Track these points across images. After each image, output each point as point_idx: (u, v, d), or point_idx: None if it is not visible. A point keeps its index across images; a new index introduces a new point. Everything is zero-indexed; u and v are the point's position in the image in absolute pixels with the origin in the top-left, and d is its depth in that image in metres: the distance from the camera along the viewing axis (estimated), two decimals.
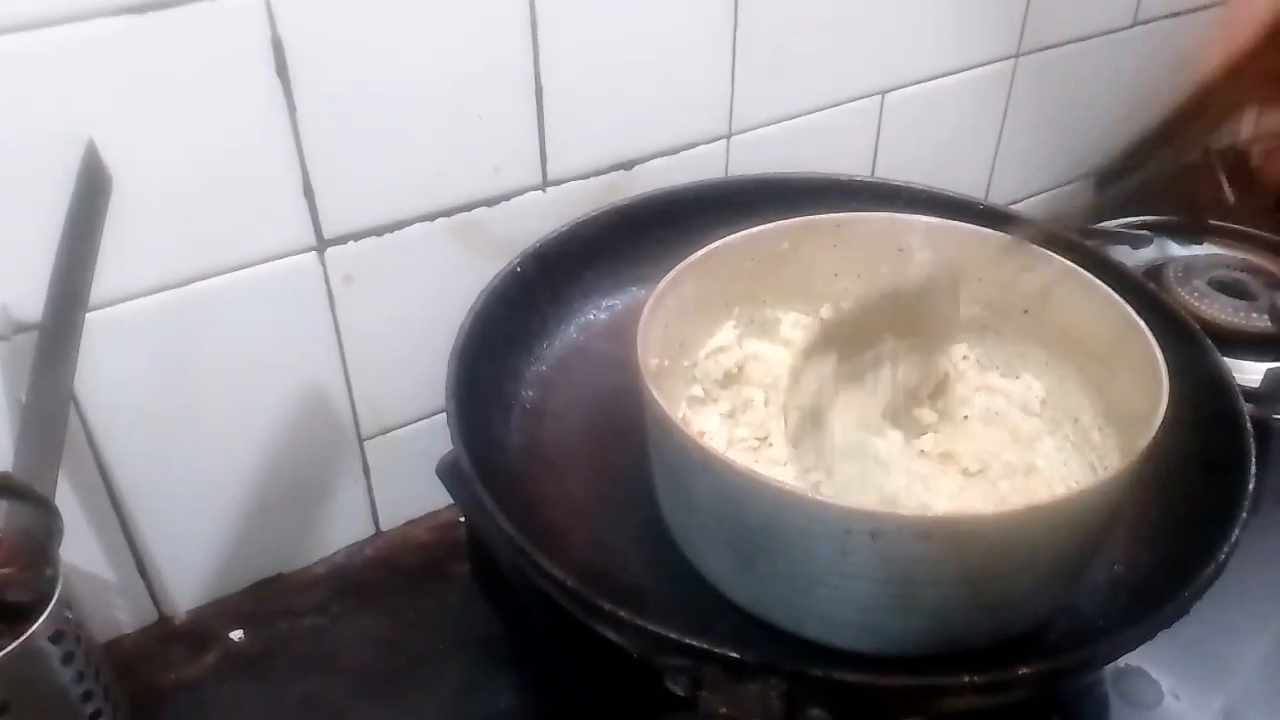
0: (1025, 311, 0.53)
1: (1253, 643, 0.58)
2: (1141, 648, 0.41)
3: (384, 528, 0.69)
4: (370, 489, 0.67)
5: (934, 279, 0.51)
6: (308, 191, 0.54)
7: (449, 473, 0.56)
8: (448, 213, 0.60)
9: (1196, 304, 0.75)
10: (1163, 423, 0.42)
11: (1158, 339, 0.46)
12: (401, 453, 0.66)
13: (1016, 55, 0.82)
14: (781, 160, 0.69)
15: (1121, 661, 0.55)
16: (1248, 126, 0.38)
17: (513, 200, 0.62)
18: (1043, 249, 0.52)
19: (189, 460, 0.58)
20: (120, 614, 0.61)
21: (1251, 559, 0.51)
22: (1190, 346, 0.52)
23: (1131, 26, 0.89)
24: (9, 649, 0.44)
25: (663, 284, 0.50)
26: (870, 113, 0.76)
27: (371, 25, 0.52)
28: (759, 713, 0.36)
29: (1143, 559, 0.48)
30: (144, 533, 0.59)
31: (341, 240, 0.57)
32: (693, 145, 0.68)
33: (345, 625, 0.63)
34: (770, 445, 0.52)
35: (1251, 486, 0.45)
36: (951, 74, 0.79)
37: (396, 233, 0.59)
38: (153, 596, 0.61)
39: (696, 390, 0.55)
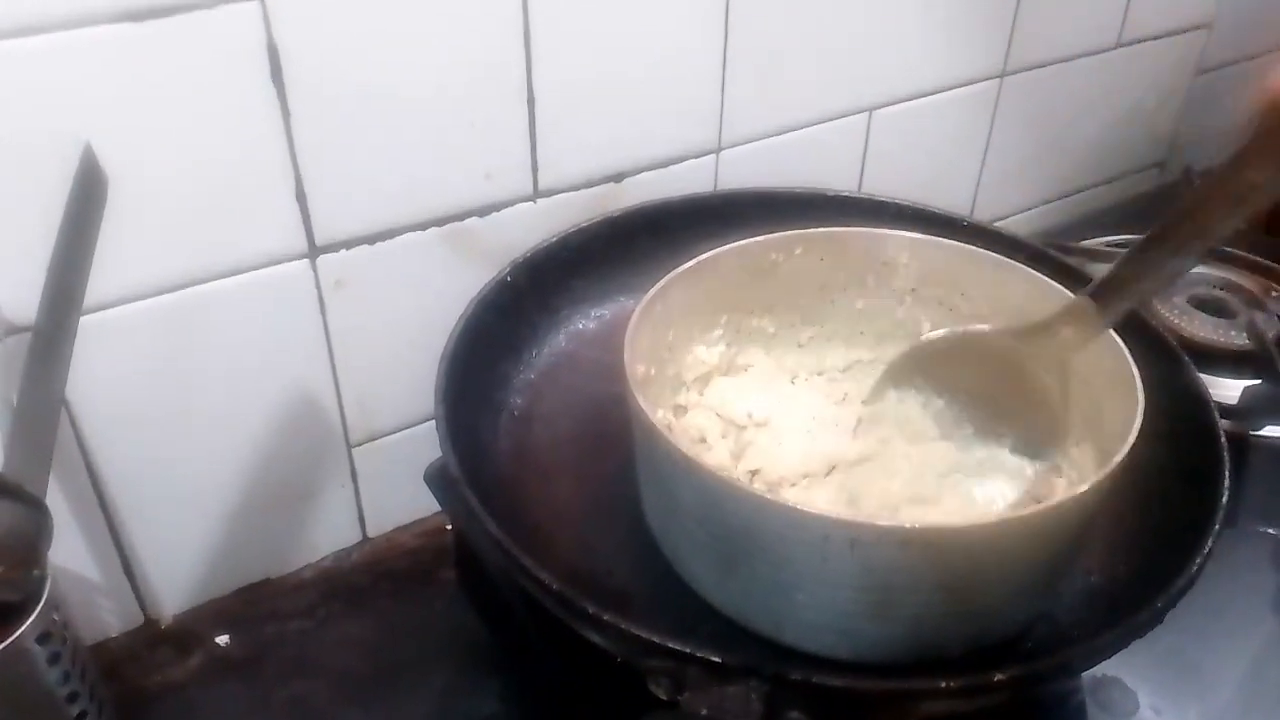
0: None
1: (1229, 655, 0.59)
2: (1118, 658, 0.42)
3: (371, 533, 0.69)
4: (358, 494, 0.67)
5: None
6: (300, 198, 0.55)
7: (437, 478, 0.56)
8: (439, 221, 0.61)
9: (1177, 321, 0.76)
10: (1141, 436, 0.43)
11: (1137, 355, 0.47)
12: (390, 459, 0.66)
13: (1002, 74, 0.84)
14: (769, 174, 0.70)
15: (1099, 671, 0.55)
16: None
17: (504, 210, 0.63)
18: (1025, 265, 0.53)
19: (178, 463, 0.58)
20: (107, 616, 0.61)
21: (1228, 573, 0.52)
22: (1168, 362, 0.53)
23: (1115, 48, 0.90)
24: None
25: (651, 293, 0.50)
26: (858, 129, 0.77)
27: (367, 33, 0.53)
28: (740, 715, 0.36)
29: (1119, 569, 0.49)
30: (132, 535, 0.59)
31: (333, 247, 0.58)
32: (682, 158, 0.69)
33: (331, 630, 0.63)
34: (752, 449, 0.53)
35: (1225, 499, 0.46)
36: (938, 92, 0.80)
37: (388, 240, 0.59)
38: (139, 599, 0.61)
39: (682, 398, 0.55)
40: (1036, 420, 0.49)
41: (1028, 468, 0.50)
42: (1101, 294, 0.46)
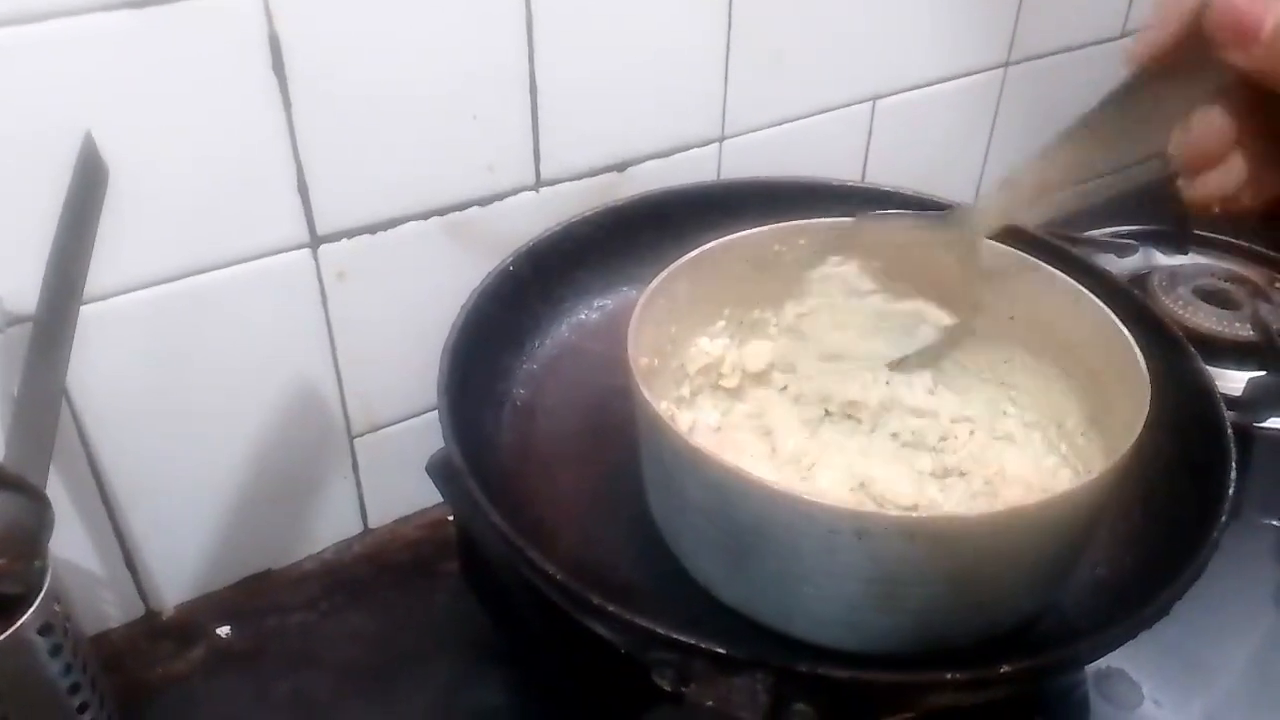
0: (1011, 317, 0.54)
1: (1234, 647, 0.59)
2: (1123, 650, 0.42)
3: (373, 525, 0.69)
4: (360, 486, 0.67)
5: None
6: (302, 188, 0.55)
7: (439, 470, 0.56)
8: (441, 211, 0.60)
9: (1181, 312, 0.76)
10: (1146, 428, 0.43)
11: (1142, 346, 0.47)
12: (391, 450, 0.66)
13: (1006, 64, 0.83)
14: (773, 164, 0.70)
15: (1103, 663, 0.55)
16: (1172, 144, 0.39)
17: (506, 199, 0.62)
18: (1030, 255, 0.53)
19: (179, 455, 0.58)
20: (108, 608, 0.61)
21: (1234, 565, 0.52)
22: (1174, 353, 0.53)
23: (1120, 37, 0.90)
24: None
25: (654, 284, 0.50)
26: (862, 118, 0.77)
27: (368, 24, 0.53)
28: (745, 707, 0.36)
29: (1125, 561, 0.48)
30: (133, 527, 0.59)
31: (335, 237, 0.57)
32: (686, 148, 0.68)
33: (333, 622, 0.63)
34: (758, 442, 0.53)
35: (1231, 491, 0.46)
36: (942, 81, 0.80)
37: (390, 230, 0.59)
38: (140, 591, 0.61)
39: (685, 390, 0.55)
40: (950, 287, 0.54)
41: (946, 318, 0.55)
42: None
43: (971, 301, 0.54)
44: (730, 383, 0.57)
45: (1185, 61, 0.37)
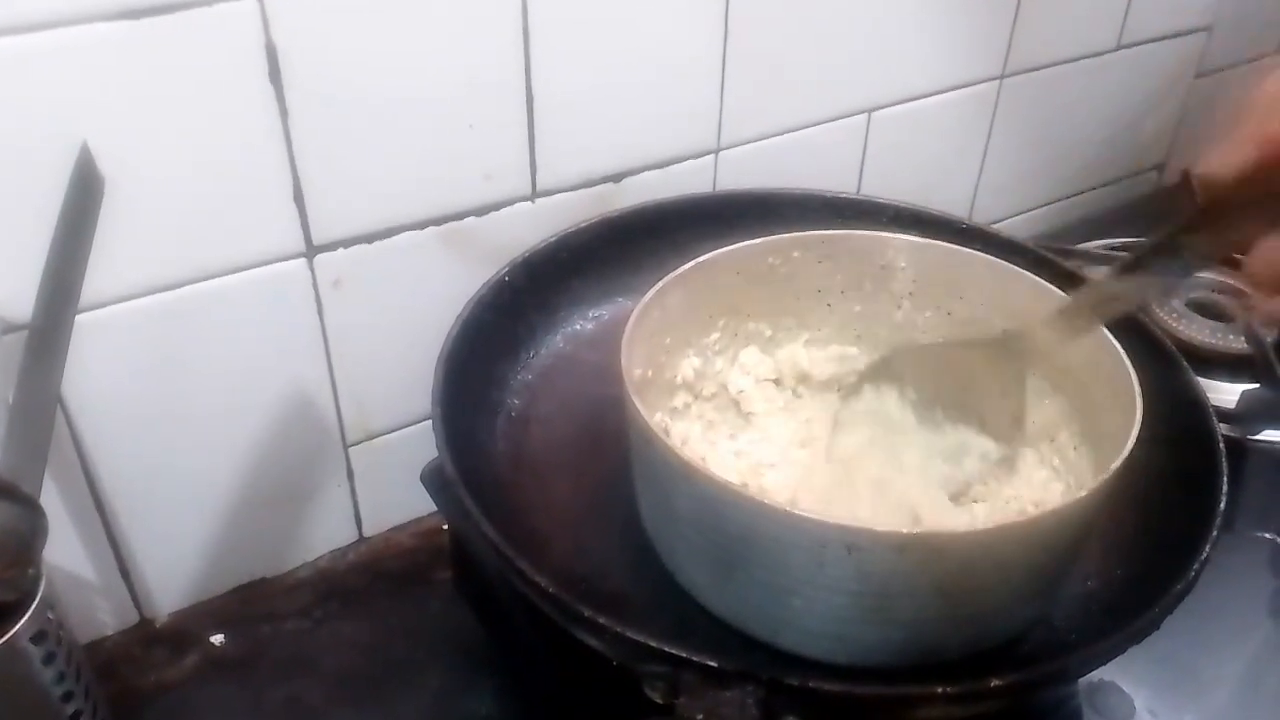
0: (1005, 330, 0.54)
1: (1228, 660, 0.59)
2: (1116, 662, 0.42)
3: (367, 533, 0.69)
4: (354, 494, 0.67)
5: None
6: (298, 197, 0.55)
7: (433, 479, 0.57)
8: (437, 221, 0.60)
9: (1175, 325, 0.76)
10: (1138, 441, 0.43)
11: (1135, 359, 0.47)
12: (386, 459, 0.66)
13: (1001, 76, 0.84)
14: (768, 176, 0.70)
15: (1095, 676, 0.55)
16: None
17: (502, 210, 0.62)
18: (1024, 270, 0.53)
19: (174, 462, 0.58)
20: (102, 615, 0.61)
21: (1225, 577, 0.52)
22: (1166, 367, 0.53)
23: (1116, 50, 0.90)
24: None
25: (649, 295, 0.50)
26: (857, 130, 0.77)
27: (365, 33, 0.53)
28: None
29: (1116, 574, 0.49)
30: (127, 534, 0.59)
31: (331, 246, 0.57)
32: (681, 159, 0.69)
33: (327, 629, 0.63)
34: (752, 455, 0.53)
35: (1223, 505, 0.46)
36: (937, 94, 0.80)
37: (386, 240, 0.59)
38: (134, 598, 0.61)
39: (679, 401, 0.55)
40: (998, 412, 0.53)
41: (993, 450, 0.53)
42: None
43: (1014, 414, 0.52)
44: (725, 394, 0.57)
45: (1264, 184, 0.36)
